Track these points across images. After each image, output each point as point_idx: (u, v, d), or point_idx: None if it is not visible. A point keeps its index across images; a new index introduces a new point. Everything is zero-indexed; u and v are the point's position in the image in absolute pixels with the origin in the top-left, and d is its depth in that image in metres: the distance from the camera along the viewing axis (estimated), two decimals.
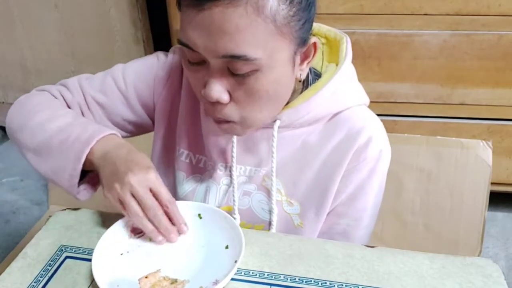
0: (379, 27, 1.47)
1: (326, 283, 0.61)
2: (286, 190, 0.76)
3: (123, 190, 0.62)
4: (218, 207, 0.75)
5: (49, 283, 0.63)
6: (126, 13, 1.90)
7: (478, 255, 1.09)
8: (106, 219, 0.72)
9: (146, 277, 0.60)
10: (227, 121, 0.66)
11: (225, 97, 0.62)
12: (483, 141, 1.05)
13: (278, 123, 0.72)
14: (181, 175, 0.82)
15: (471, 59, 1.47)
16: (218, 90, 0.61)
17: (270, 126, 0.73)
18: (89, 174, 0.72)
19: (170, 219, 0.65)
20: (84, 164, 0.68)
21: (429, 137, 1.07)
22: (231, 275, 0.60)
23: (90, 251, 0.64)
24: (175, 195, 0.83)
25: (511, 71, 1.47)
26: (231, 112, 0.64)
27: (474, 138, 1.23)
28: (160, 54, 0.81)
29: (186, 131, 0.80)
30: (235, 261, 0.61)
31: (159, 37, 1.97)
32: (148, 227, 0.64)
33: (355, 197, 0.75)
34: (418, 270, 0.63)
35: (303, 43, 0.63)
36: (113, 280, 0.61)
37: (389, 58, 1.51)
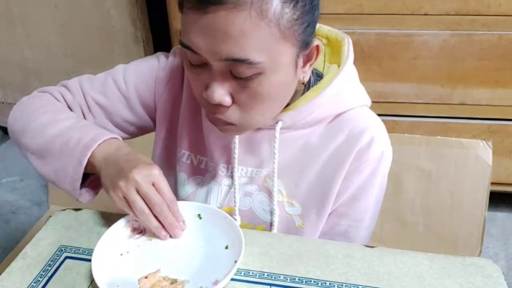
0: (379, 27, 1.47)
1: (326, 283, 0.61)
2: (288, 191, 0.76)
3: (127, 187, 0.63)
4: (219, 208, 0.75)
5: (49, 283, 0.63)
6: (126, 13, 1.90)
7: (478, 255, 1.09)
8: (106, 219, 0.73)
9: (146, 277, 0.60)
10: (227, 123, 0.66)
11: (227, 100, 0.62)
12: (483, 141, 1.05)
13: (280, 124, 0.72)
14: (182, 176, 0.81)
15: (471, 59, 1.47)
16: (221, 93, 0.61)
17: (272, 127, 0.72)
18: (91, 177, 0.73)
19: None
20: (85, 167, 0.68)
21: (429, 137, 1.07)
22: (231, 275, 0.60)
23: (90, 251, 0.64)
24: (177, 196, 0.82)
25: (511, 71, 1.47)
26: (233, 114, 0.64)
27: (474, 138, 1.23)
28: (161, 55, 0.80)
29: (187, 132, 0.80)
30: (235, 261, 0.61)
31: (159, 37, 1.97)
32: (153, 223, 0.65)
33: (356, 198, 0.75)
34: (418, 270, 0.63)
35: (306, 46, 0.63)
36: (113, 280, 0.61)
37: (389, 58, 1.51)
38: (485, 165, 1.04)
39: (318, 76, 0.75)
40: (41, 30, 2.04)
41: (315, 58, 0.67)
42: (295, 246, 0.67)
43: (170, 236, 0.67)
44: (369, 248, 0.67)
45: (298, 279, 0.62)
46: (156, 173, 0.64)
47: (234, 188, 0.76)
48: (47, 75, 2.16)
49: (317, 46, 0.65)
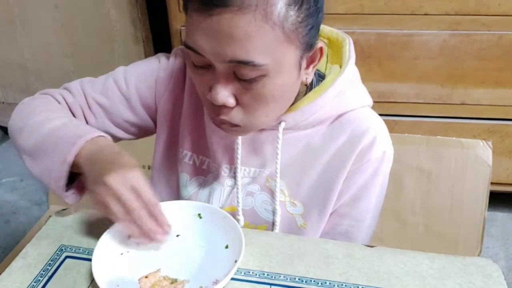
0: (379, 27, 1.47)
1: (326, 283, 0.61)
2: (290, 191, 0.76)
3: (104, 193, 0.60)
4: (221, 208, 0.75)
5: (49, 283, 0.63)
6: (126, 13, 1.90)
7: (478, 255, 1.09)
8: (106, 219, 0.72)
9: (146, 277, 0.60)
10: (232, 124, 0.66)
11: (231, 101, 0.62)
12: (483, 141, 1.05)
13: (283, 125, 0.72)
14: (184, 177, 0.81)
15: (471, 59, 1.47)
16: (225, 94, 0.61)
17: (275, 127, 0.73)
18: (78, 178, 0.71)
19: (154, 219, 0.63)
20: (73, 167, 0.67)
21: (429, 137, 1.07)
22: (231, 275, 0.60)
23: (90, 251, 0.64)
24: (179, 197, 0.83)
25: (511, 71, 1.47)
26: (237, 115, 0.64)
27: (474, 138, 1.23)
28: (162, 56, 0.81)
29: (189, 132, 0.80)
30: (235, 261, 0.61)
31: (159, 37, 1.97)
32: (133, 229, 0.62)
33: (358, 198, 0.75)
34: (418, 270, 0.63)
35: (310, 48, 0.63)
36: (113, 280, 0.61)
37: (389, 58, 1.51)
38: (485, 165, 1.04)
39: (320, 76, 0.75)
40: (41, 30, 2.04)
41: (318, 60, 0.67)
42: (295, 245, 0.67)
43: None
44: (369, 248, 0.67)
45: (298, 279, 0.62)
46: (133, 176, 0.61)
47: (237, 188, 0.76)
48: (47, 75, 2.16)
49: (321, 48, 0.66)
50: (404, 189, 1.11)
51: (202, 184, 0.80)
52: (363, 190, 0.74)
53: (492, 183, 1.07)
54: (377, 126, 0.73)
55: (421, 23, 1.44)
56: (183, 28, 1.58)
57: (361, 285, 0.61)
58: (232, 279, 0.62)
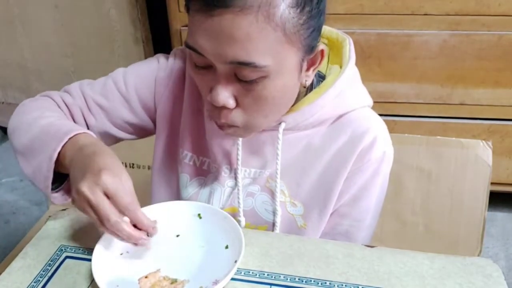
0: (379, 27, 1.47)
1: (326, 283, 0.61)
2: (290, 191, 0.76)
3: (80, 200, 0.58)
4: (222, 208, 0.75)
5: (49, 283, 0.63)
6: (126, 13, 1.90)
7: (478, 255, 1.09)
8: None
9: (146, 277, 0.60)
10: (231, 125, 0.66)
11: (231, 102, 0.62)
12: (483, 141, 1.05)
13: (283, 125, 0.72)
14: (184, 177, 0.81)
15: (471, 59, 1.47)
16: (225, 95, 0.61)
17: (275, 128, 0.72)
18: (67, 180, 0.69)
19: (134, 224, 0.61)
20: (62, 167, 0.66)
21: (429, 137, 1.07)
22: (231, 275, 0.60)
23: (90, 251, 0.64)
24: (179, 197, 0.83)
25: (511, 71, 1.47)
26: (236, 117, 0.64)
27: (474, 138, 1.23)
28: (161, 57, 0.81)
29: (189, 133, 0.80)
30: (235, 261, 0.61)
31: (158, 37, 1.97)
32: (115, 236, 0.60)
33: (358, 198, 0.75)
34: (418, 270, 0.63)
35: (311, 51, 0.63)
36: (113, 280, 0.61)
37: (389, 58, 1.51)
38: (485, 165, 1.04)
39: (320, 77, 0.75)
40: (41, 30, 2.04)
41: (319, 62, 0.67)
42: (295, 245, 0.67)
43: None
44: (369, 248, 0.67)
45: (298, 279, 0.62)
46: (103, 181, 0.57)
47: (238, 189, 0.76)
48: (47, 75, 2.16)
49: (322, 51, 0.66)
50: (404, 189, 1.11)
51: (203, 185, 0.80)
52: (363, 190, 0.74)
53: (492, 183, 1.06)
54: (377, 126, 0.73)
55: (421, 23, 1.45)
56: (183, 28, 1.58)
57: (361, 285, 0.61)
58: (232, 279, 0.62)
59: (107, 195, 0.58)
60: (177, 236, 0.69)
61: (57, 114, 0.75)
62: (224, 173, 0.78)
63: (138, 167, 1.34)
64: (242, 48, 0.56)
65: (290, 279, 0.62)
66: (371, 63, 1.52)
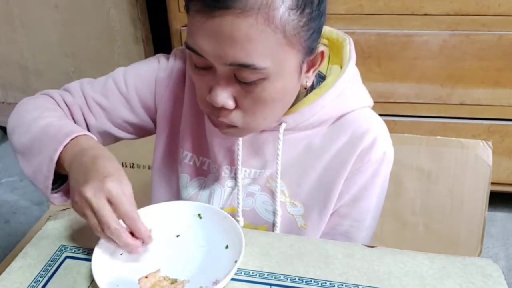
0: (379, 27, 1.47)
1: (326, 283, 0.61)
2: (290, 192, 0.76)
3: (82, 204, 0.59)
4: (222, 208, 0.75)
5: (49, 283, 0.63)
6: (126, 13, 1.90)
7: (478, 255, 1.09)
8: None
9: (146, 277, 0.60)
10: (230, 126, 0.66)
11: (230, 103, 0.62)
12: (483, 141, 1.05)
13: (284, 126, 0.72)
14: (185, 177, 0.81)
15: (471, 59, 1.47)
16: (224, 96, 0.61)
17: (275, 128, 0.72)
18: (67, 181, 0.69)
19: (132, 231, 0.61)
20: (61, 168, 0.66)
21: (429, 137, 1.07)
22: (231, 275, 0.60)
23: (90, 251, 0.64)
24: (179, 197, 0.83)
25: (511, 71, 1.47)
26: (235, 118, 0.64)
27: (474, 138, 1.23)
28: (161, 57, 0.81)
29: (190, 133, 0.80)
30: (235, 261, 0.61)
31: (159, 37, 1.97)
32: (112, 242, 0.60)
33: (358, 199, 0.75)
34: (418, 270, 0.63)
35: (311, 52, 0.63)
36: (113, 280, 0.61)
37: (389, 58, 1.51)
38: (485, 165, 1.04)
39: (320, 77, 0.75)
40: (41, 30, 2.04)
41: (319, 64, 0.67)
42: (295, 246, 0.67)
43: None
44: (369, 248, 0.67)
45: (298, 279, 0.62)
46: (108, 187, 0.57)
47: (238, 189, 0.76)
48: (47, 75, 2.16)
49: (322, 52, 0.66)
50: (404, 189, 1.11)
51: (203, 185, 0.80)
52: (364, 190, 0.74)
53: (492, 183, 1.06)
54: (377, 126, 0.73)
55: (421, 23, 1.44)
56: (183, 28, 1.58)
57: (361, 285, 0.61)
58: (232, 279, 0.62)
59: (109, 201, 0.58)
60: (177, 236, 0.69)
61: (57, 113, 0.75)
62: (224, 173, 0.78)
63: (138, 167, 1.34)
64: (242, 50, 0.56)
65: (290, 279, 0.62)
66: (371, 63, 1.52)
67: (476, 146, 1.04)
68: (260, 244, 0.68)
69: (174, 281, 0.60)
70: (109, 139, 0.82)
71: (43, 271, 0.64)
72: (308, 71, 0.66)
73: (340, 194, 0.74)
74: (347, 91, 0.72)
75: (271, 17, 0.55)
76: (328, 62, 0.76)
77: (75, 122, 0.77)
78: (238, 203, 0.76)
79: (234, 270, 0.60)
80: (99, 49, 2.01)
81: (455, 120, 1.58)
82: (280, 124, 0.72)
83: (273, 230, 0.77)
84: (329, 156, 0.74)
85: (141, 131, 0.84)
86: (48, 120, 0.71)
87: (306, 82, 0.68)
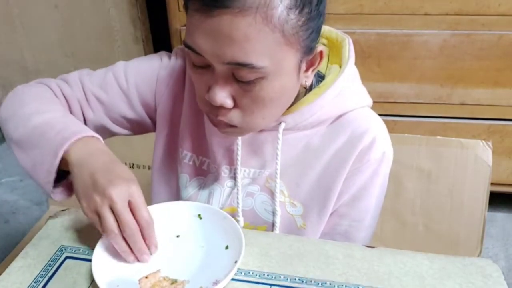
0: (379, 27, 1.47)
1: (326, 283, 0.61)
2: (289, 191, 0.76)
3: (102, 203, 0.59)
4: (221, 208, 0.75)
5: (49, 283, 0.63)
6: (126, 13, 1.90)
7: (478, 255, 1.09)
8: None
9: (146, 277, 0.60)
10: (228, 125, 0.66)
11: (229, 102, 0.62)
12: (483, 141, 1.05)
13: (283, 125, 0.72)
14: (184, 177, 0.81)
15: (471, 59, 1.47)
16: (222, 95, 0.61)
17: (275, 128, 0.73)
18: (68, 177, 0.69)
19: (144, 238, 0.62)
20: (64, 164, 0.65)
21: (429, 137, 1.07)
22: (231, 275, 0.60)
23: (90, 251, 0.64)
24: (179, 197, 0.83)
25: (511, 71, 1.47)
26: (234, 117, 0.64)
27: (474, 138, 1.23)
28: (164, 55, 0.80)
29: (189, 133, 0.80)
30: (235, 262, 0.61)
31: (158, 37, 1.97)
32: (121, 246, 0.61)
33: (357, 198, 0.75)
34: (418, 270, 0.63)
35: (310, 52, 0.63)
36: (113, 280, 0.61)
37: (389, 58, 1.51)
38: (485, 165, 1.04)
39: (319, 77, 0.75)
40: (41, 30, 2.04)
41: (318, 63, 0.67)
42: (295, 246, 0.67)
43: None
44: (369, 248, 0.67)
45: (298, 279, 0.62)
46: (134, 191, 0.60)
47: (237, 189, 0.76)
48: (47, 75, 2.14)
49: (321, 52, 0.66)
50: (404, 189, 1.11)
51: (202, 185, 0.80)
52: (363, 190, 0.74)
53: (492, 183, 1.07)
54: (376, 126, 0.73)
55: (421, 23, 1.44)
56: (183, 28, 1.58)
57: (361, 285, 0.61)
58: (232, 279, 0.62)
59: (129, 205, 0.60)
60: (177, 236, 0.69)
61: (59, 107, 0.74)
62: (224, 173, 0.78)
63: (138, 167, 1.34)
64: (240, 49, 0.56)
65: (290, 279, 0.62)
66: (371, 63, 1.52)
67: (476, 146, 1.04)
68: (260, 244, 0.68)
69: (174, 281, 0.60)
70: (104, 133, 0.81)
71: (43, 271, 0.64)
72: (307, 70, 0.66)
73: (339, 194, 0.74)
74: (346, 91, 0.72)
75: (270, 16, 0.55)
76: (328, 61, 0.76)
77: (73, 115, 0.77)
78: (238, 203, 0.76)
79: (234, 270, 0.60)
80: (99, 49, 2.01)
81: (455, 120, 1.58)
82: (279, 123, 0.72)
83: (272, 230, 0.77)
84: (328, 156, 0.74)
85: (137, 128, 0.84)
86: (51, 114, 0.71)
87: (305, 81, 0.67)
